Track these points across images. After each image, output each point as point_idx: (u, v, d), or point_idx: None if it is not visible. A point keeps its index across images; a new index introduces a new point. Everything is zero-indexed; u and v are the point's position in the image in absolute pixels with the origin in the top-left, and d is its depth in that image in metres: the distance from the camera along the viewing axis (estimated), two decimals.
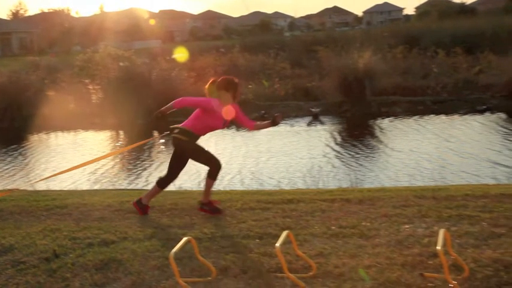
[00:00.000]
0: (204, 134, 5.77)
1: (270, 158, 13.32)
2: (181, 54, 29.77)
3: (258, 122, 6.09)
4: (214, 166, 5.67)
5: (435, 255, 3.97)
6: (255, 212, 5.68)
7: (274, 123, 5.80)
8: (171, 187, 9.55)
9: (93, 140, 18.31)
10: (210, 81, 5.79)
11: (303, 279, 3.81)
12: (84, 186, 11.22)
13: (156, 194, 5.97)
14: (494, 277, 3.70)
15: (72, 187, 10.93)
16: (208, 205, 5.71)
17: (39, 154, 16.04)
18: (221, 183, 10.78)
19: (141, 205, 5.84)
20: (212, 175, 5.70)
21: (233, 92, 5.67)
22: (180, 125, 5.72)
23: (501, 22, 31.79)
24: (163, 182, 5.83)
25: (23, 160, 15.28)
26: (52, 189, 9.50)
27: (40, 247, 4.86)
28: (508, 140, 14.00)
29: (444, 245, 3.58)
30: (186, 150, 5.71)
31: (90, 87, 21.68)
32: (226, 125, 5.82)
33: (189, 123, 5.69)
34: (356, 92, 19.34)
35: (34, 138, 19.13)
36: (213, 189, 5.87)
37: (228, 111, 5.61)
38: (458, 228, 4.72)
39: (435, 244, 3.60)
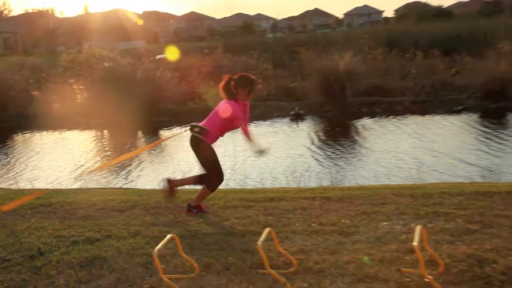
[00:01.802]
0: (223, 135, 5.67)
1: (250, 156, 13.33)
2: (170, 54, 29.84)
3: (250, 131, 5.78)
4: (217, 179, 5.59)
5: (412, 251, 4.02)
6: (237, 210, 5.69)
7: (257, 150, 5.55)
8: (156, 186, 9.57)
9: (77, 139, 18.20)
10: (226, 79, 5.61)
11: (284, 275, 3.84)
12: (68, 184, 11.14)
13: (206, 197, 5.77)
14: (468, 272, 3.76)
15: (56, 186, 10.86)
16: (197, 208, 5.68)
17: (21, 153, 15.88)
18: None
19: (193, 207, 5.67)
20: (212, 186, 5.62)
21: (250, 89, 5.57)
22: (200, 124, 5.58)
23: (477, 25, 32.17)
24: (212, 185, 5.64)
25: (5, 159, 15.12)
26: (37, 187, 9.43)
27: (25, 245, 4.83)
28: (481, 140, 14.19)
29: (420, 241, 3.63)
30: (199, 149, 5.57)
31: (75, 87, 21.51)
32: (247, 120, 5.70)
33: (209, 124, 5.56)
34: (337, 92, 19.45)
35: (18, 137, 18.95)
36: (197, 187, 5.87)
37: (225, 109, 5.56)
38: (435, 225, 4.78)
39: (412, 240, 3.64)
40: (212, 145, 5.62)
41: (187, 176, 5.89)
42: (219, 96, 5.73)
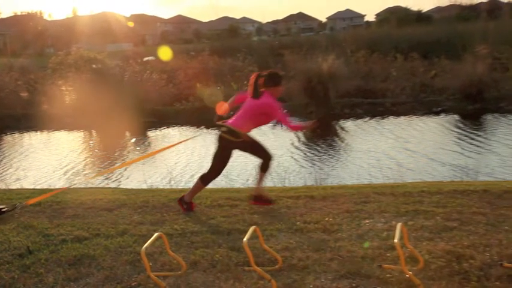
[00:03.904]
0: (250, 131, 5.58)
1: (238, 157, 13.31)
2: (163, 54, 29.92)
3: (291, 122, 5.54)
4: (213, 175, 5.59)
5: (393, 248, 4.06)
6: (223, 208, 5.69)
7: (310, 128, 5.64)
8: (143, 185, 9.53)
9: (65, 139, 18.06)
10: (255, 76, 5.51)
11: (269, 272, 3.84)
12: (57, 184, 11.04)
13: (199, 190, 5.77)
14: (447, 267, 3.80)
15: (45, 186, 10.76)
16: (188, 205, 5.66)
17: (9, 154, 15.72)
18: (190, 181, 10.75)
19: (185, 203, 5.65)
20: (205, 180, 5.61)
21: (280, 85, 5.50)
22: (228, 123, 5.49)
23: (454, 29, 32.46)
24: (206, 178, 5.63)
25: None
26: (25, 187, 9.34)
27: (14, 244, 4.78)
28: (459, 140, 14.33)
29: (401, 238, 3.66)
30: (220, 147, 5.54)
31: (64, 88, 21.32)
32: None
33: (239, 122, 5.47)
34: (320, 94, 19.49)
35: (7, 138, 18.76)
36: (184, 187, 5.85)
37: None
38: (415, 223, 4.82)
39: (393, 237, 3.67)
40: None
41: (256, 176, 5.73)
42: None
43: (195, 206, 5.71)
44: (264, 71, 5.67)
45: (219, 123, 5.57)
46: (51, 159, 14.36)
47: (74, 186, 7.70)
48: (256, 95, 5.48)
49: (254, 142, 5.65)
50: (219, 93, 19.04)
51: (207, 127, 17.72)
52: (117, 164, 13.18)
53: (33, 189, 8.52)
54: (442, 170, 10.95)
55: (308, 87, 19.65)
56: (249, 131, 5.57)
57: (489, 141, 13.98)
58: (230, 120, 5.54)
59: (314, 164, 12.35)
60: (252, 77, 5.54)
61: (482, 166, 11.10)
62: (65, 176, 12.19)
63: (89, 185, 10.61)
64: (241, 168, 12.03)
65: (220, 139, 5.55)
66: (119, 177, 11.64)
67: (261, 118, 5.50)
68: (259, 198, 5.67)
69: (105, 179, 11.52)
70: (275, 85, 5.48)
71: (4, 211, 5.78)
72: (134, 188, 8.55)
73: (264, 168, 5.62)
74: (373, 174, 10.84)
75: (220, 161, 5.59)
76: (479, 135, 14.79)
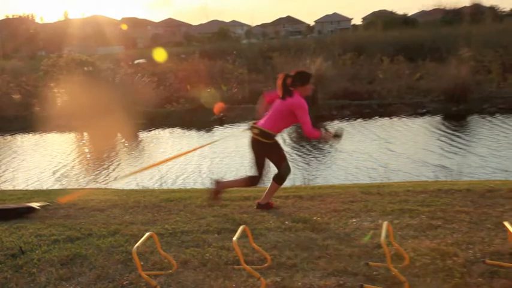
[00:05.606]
0: (281, 132, 5.51)
1: (224, 158, 13.32)
2: (157, 55, 29.93)
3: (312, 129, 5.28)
4: (257, 180, 5.50)
5: (379, 246, 4.08)
6: (213, 208, 5.68)
7: (333, 140, 5.42)
8: (135, 186, 9.50)
9: (57, 141, 17.95)
10: (283, 77, 5.39)
11: (259, 271, 3.84)
12: (49, 185, 10.98)
13: (241, 186, 5.73)
14: (432, 265, 3.83)
15: (37, 186, 10.69)
16: (218, 193, 5.63)
17: (1, 155, 15.60)
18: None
19: (263, 205, 5.57)
20: (254, 182, 5.51)
21: (307, 84, 5.40)
22: (259, 125, 5.44)
23: (439, 33, 32.71)
24: (254, 181, 5.53)
25: None
26: (18, 188, 9.28)
27: (6, 244, 4.74)
28: (443, 141, 14.45)
29: (387, 236, 3.68)
30: (257, 150, 5.47)
31: (55, 90, 21.21)
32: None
33: (269, 124, 5.40)
34: (308, 96, 19.51)
35: None
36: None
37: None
38: (400, 221, 4.85)
39: (379, 236, 3.69)
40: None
41: (236, 177, 5.66)
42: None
43: (273, 204, 5.63)
44: (291, 71, 5.55)
45: (251, 124, 5.52)
46: (42, 161, 14.27)
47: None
48: (285, 95, 5.39)
49: (281, 149, 5.59)
50: (212, 94, 19.06)
51: (198, 128, 17.72)
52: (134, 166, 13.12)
53: (26, 190, 8.47)
54: (427, 170, 11.03)
55: None
56: (280, 132, 5.50)
57: (471, 142, 14.12)
58: (261, 122, 5.48)
59: (303, 165, 12.39)
60: (280, 78, 5.45)
61: (465, 165, 11.21)
62: (54, 176, 12.14)
63: (80, 186, 10.57)
64: (227, 169, 12.03)
65: (253, 141, 5.49)
66: (107, 178, 11.60)
67: (292, 118, 5.39)
68: (265, 206, 5.58)
69: (93, 179, 11.48)
70: (302, 84, 5.38)
71: (37, 209, 5.77)
72: (125, 188, 8.52)
73: (279, 179, 5.54)
74: (360, 174, 10.90)
75: (260, 164, 5.48)
76: (462, 136, 14.92)
